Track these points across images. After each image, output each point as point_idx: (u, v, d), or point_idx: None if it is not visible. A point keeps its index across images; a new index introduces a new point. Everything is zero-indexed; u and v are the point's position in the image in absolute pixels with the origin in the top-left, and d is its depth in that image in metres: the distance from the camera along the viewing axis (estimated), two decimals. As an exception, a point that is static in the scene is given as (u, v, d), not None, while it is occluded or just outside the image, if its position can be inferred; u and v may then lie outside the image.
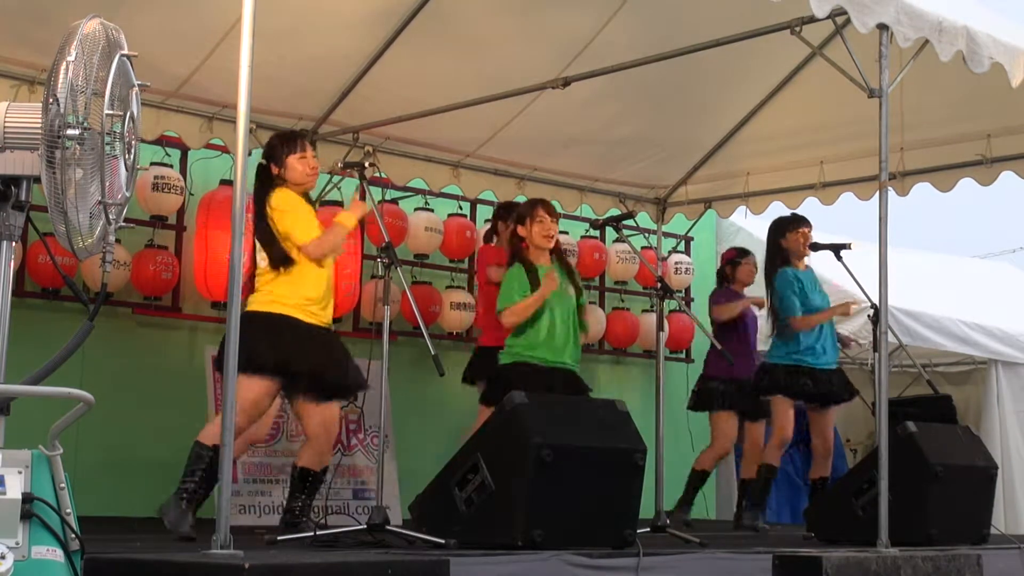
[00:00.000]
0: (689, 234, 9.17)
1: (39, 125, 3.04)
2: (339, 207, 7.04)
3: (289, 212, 5.29)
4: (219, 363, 4.39)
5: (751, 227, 9.51)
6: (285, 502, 5.67)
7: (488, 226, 7.96)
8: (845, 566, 4.60)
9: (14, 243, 3.13)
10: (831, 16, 4.89)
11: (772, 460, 7.28)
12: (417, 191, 8.10)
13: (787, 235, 7.33)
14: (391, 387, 5.63)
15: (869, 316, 6.82)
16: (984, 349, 9.81)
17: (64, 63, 3.02)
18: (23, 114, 3.11)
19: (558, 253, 6.29)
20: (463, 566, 3.97)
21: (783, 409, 7.16)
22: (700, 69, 6.81)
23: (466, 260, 8.45)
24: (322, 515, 5.43)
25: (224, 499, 3.73)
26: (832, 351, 7.20)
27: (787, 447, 7.30)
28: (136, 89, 3.24)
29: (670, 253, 9.26)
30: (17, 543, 2.85)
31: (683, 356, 9.52)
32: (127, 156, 3.21)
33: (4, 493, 2.85)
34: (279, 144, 5.47)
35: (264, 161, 5.50)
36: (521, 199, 7.96)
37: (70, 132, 3.00)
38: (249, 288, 5.32)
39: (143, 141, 6.10)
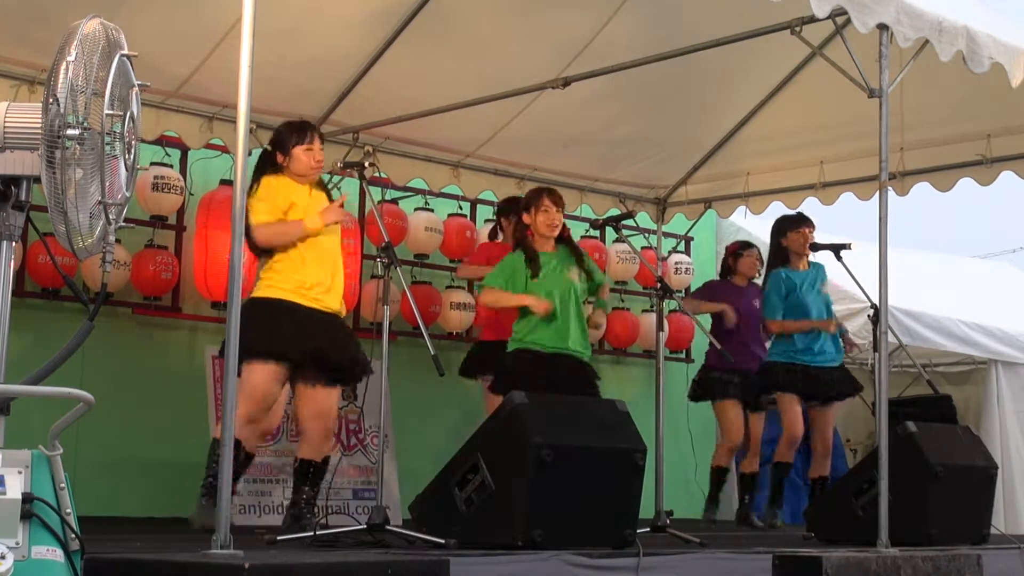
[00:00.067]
0: (689, 234, 9.18)
1: (39, 125, 3.04)
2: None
3: (264, 199, 5.28)
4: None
5: (751, 227, 9.51)
6: (291, 496, 5.67)
7: (490, 225, 7.98)
8: (845, 566, 4.60)
9: (14, 243, 3.13)
10: (831, 16, 4.89)
11: (784, 458, 7.30)
12: (417, 191, 8.10)
13: (788, 234, 7.35)
14: (391, 387, 5.63)
15: (869, 316, 6.83)
16: (984, 349, 9.82)
17: (64, 63, 3.02)
18: (23, 114, 3.11)
19: (567, 240, 6.27)
20: (463, 566, 3.97)
21: (791, 407, 7.17)
22: (700, 69, 6.81)
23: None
24: (322, 515, 5.42)
25: (224, 499, 3.73)
26: (833, 349, 7.21)
27: (798, 444, 7.30)
28: (136, 89, 3.24)
29: (670, 253, 9.26)
30: (17, 543, 2.85)
31: (683, 356, 9.53)
32: (127, 156, 3.21)
33: (4, 493, 2.85)
34: (288, 132, 5.45)
35: (269, 147, 5.50)
36: (520, 196, 7.97)
37: (70, 132, 3.00)
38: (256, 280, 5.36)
39: (143, 141, 6.11)
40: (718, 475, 7.85)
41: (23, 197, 3.11)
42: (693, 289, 9.46)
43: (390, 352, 5.04)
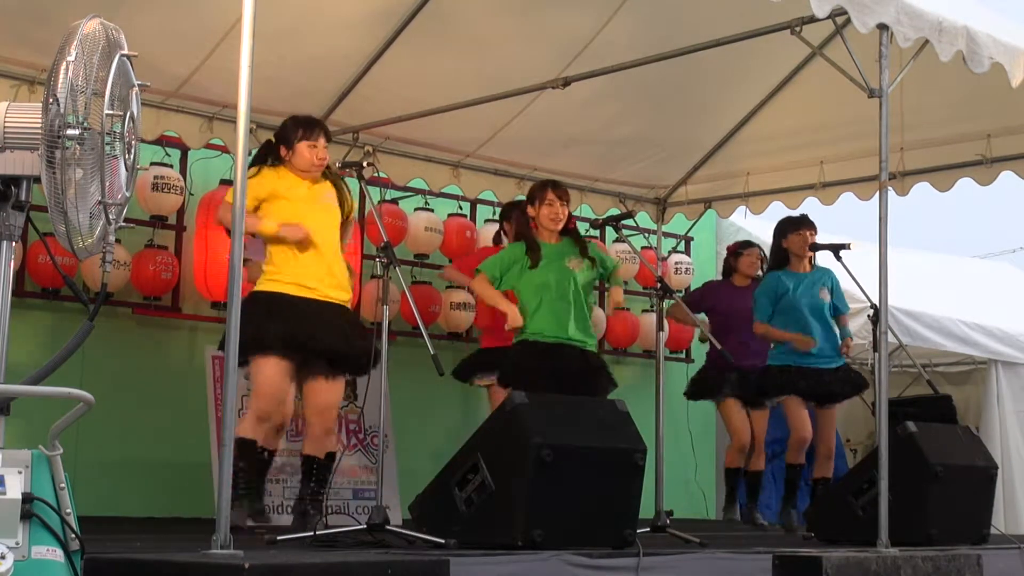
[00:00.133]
0: (689, 234, 9.17)
1: (39, 125, 3.04)
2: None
3: (252, 186, 5.28)
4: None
5: (751, 227, 9.51)
6: (298, 492, 5.68)
7: (489, 225, 7.98)
8: (845, 566, 4.60)
9: (14, 243, 3.13)
10: (831, 16, 4.89)
11: (796, 460, 7.31)
12: (417, 191, 8.10)
13: (788, 236, 7.34)
14: (391, 387, 5.63)
15: (869, 316, 6.82)
16: (984, 349, 9.81)
17: (64, 63, 3.02)
18: (23, 114, 3.11)
19: (572, 232, 6.23)
20: (463, 566, 3.96)
21: (796, 410, 7.17)
22: (700, 69, 6.81)
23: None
24: (322, 515, 5.43)
25: (224, 499, 3.73)
26: (831, 350, 7.20)
27: (807, 446, 7.30)
28: (136, 89, 3.24)
29: (670, 253, 9.26)
30: (17, 543, 2.85)
31: (683, 356, 9.52)
32: (127, 156, 3.21)
33: (4, 493, 2.86)
34: (294, 126, 5.46)
35: (273, 139, 5.50)
36: (521, 199, 7.97)
37: (70, 132, 3.00)
38: None
39: (143, 141, 6.10)
40: (731, 476, 7.88)
41: (23, 197, 3.11)
42: (693, 290, 9.49)
43: (390, 352, 5.04)
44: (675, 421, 8.48)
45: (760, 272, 7.79)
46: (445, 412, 8.09)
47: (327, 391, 5.38)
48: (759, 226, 9.42)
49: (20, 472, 2.90)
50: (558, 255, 6.10)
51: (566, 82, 6.53)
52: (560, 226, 6.14)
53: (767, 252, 7.76)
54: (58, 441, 2.95)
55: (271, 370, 5.20)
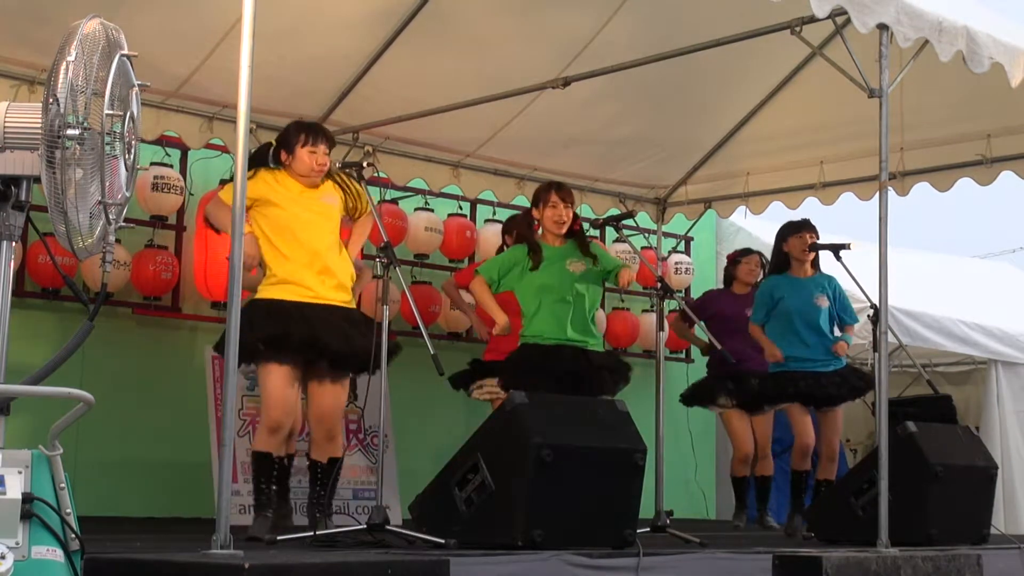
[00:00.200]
0: (689, 234, 9.17)
1: (39, 125, 3.04)
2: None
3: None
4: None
5: (751, 227, 9.51)
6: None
7: (489, 225, 7.97)
8: (845, 566, 4.60)
9: (14, 243, 3.13)
10: (831, 16, 4.89)
11: (801, 467, 7.30)
12: (417, 191, 8.10)
13: (789, 239, 7.30)
14: (391, 387, 5.62)
15: (869, 316, 6.81)
16: (984, 349, 9.82)
17: (64, 63, 3.02)
18: (23, 114, 3.11)
19: (577, 234, 6.19)
20: (463, 566, 3.97)
21: (798, 417, 7.15)
22: (700, 69, 6.81)
23: (466, 260, 8.45)
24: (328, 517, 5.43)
25: (224, 499, 3.73)
26: (825, 354, 7.15)
27: (811, 451, 7.29)
28: (136, 89, 3.25)
29: (670, 253, 9.26)
30: (17, 543, 2.85)
31: (683, 356, 9.52)
32: (127, 156, 3.21)
33: (4, 493, 2.86)
34: (296, 131, 5.44)
35: (274, 143, 5.50)
36: (521, 200, 7.98)
37: (70, 132, 3.00)
38: None
39: (143, 141, 6.10)
40: (739, 485, 7.91)
41: (23, 197, 3.11)
42: (693, 290, 9.50)
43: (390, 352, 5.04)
44: (675, 421, 8.48)
45: (760, 278, 7.78)
46: (445, 412, 8.09)
47: (330, 394, 5.36)
48: (759, 226, 9.42)
49: (20, 472, 2.90)
50: (560, 257, 6.07)
51: (566, 82, 6.53)
52: (564, 229, 6.11)
53: (767, 257, 7.76)
54: (58, 441, 2.95)
55: (273, 379, 5.18)
